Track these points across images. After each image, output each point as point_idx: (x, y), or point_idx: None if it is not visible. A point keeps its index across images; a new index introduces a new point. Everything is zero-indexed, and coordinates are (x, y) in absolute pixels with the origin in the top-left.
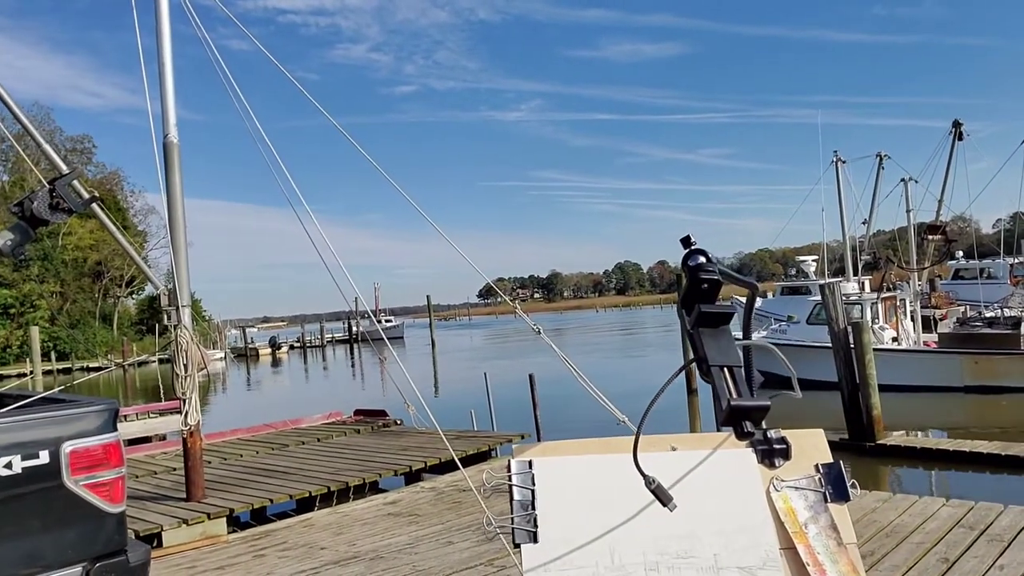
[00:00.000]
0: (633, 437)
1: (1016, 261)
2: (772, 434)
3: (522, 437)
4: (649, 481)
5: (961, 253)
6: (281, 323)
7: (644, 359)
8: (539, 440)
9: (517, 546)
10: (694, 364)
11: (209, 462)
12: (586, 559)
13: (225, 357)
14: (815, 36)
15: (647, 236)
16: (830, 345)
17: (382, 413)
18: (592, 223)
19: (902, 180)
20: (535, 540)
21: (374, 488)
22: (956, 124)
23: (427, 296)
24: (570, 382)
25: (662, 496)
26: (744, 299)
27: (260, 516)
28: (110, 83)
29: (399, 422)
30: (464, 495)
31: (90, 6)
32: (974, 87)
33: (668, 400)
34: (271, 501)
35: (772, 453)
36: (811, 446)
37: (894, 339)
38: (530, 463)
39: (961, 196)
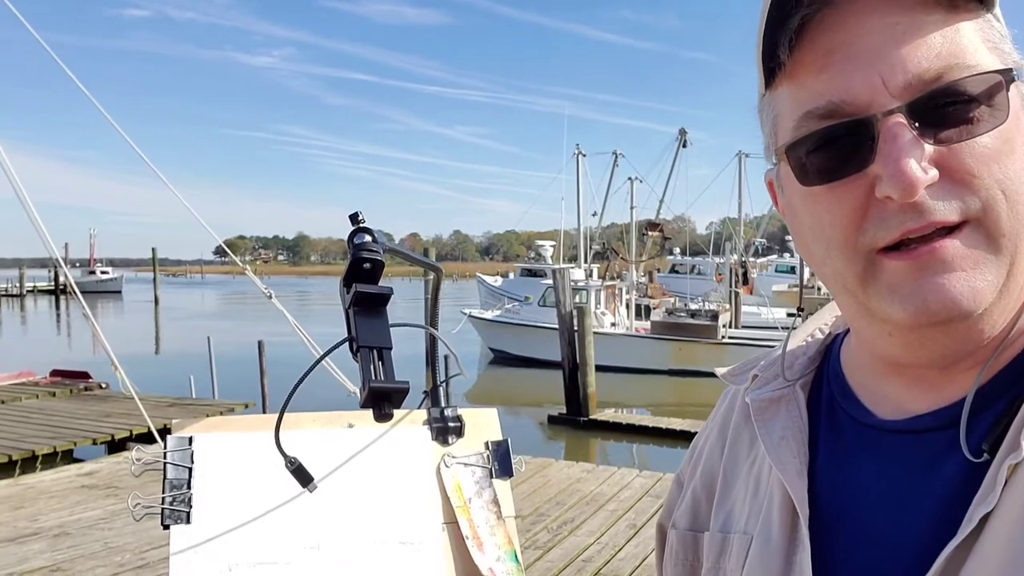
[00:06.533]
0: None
1: (720, 261)
2: (448, 412)
3: (245, 407)
4: (289, 461)
5: (678, 250)
6: None
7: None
8: (264, 411)
9: (167, 527)
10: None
11: None
12: (243, 540)
13: None
14: (571, 29)
15: (400, 206)
16: (557, 326)
17: (84, 375)
18: (344, 187)
19: (629, 179)
20: (187, 521)
21: (68, 458)
22: (682, 132)
23: (152, 249)
24: (307, 351)
25: (302, 477)
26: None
27: None
28: None
29: (104, 386)
30: None
31: None
32: (702, 99)
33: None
34: None
35: (446, 431)
36: (483, 424)
37: (612, 324)
38: (190, 439)
39: (681, 198)
